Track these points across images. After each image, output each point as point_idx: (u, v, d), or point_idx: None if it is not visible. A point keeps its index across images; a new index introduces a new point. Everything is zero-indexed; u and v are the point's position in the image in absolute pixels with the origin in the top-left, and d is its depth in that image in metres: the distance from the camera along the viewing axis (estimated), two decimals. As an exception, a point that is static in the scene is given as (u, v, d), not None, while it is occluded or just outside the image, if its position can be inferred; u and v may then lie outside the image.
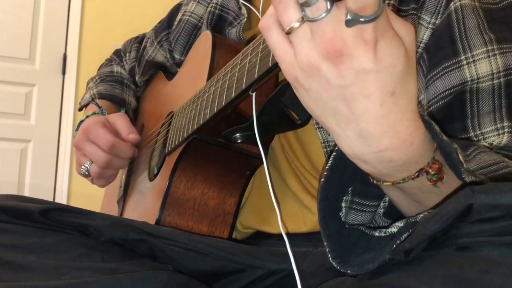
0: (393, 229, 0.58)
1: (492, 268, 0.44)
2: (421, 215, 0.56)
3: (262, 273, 0.80)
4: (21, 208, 0.74)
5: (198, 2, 1.14)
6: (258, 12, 0.97)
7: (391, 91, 0.47)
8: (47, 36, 3.08)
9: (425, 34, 0.75)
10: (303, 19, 0.45)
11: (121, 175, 1.29)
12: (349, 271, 0.57)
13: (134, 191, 1.17)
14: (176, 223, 0.91)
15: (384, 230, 0.60)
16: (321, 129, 0.80)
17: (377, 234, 0.60)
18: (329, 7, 0.44)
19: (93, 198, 1.67)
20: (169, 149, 0.99)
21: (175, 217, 0.91)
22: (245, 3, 1.01)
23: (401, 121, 0.49)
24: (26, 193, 2.93)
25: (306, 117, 0.76)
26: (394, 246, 0.52)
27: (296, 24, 0.46)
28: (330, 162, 0.59)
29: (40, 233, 0.72)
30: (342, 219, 0.63)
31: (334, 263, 0.58)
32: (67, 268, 0.68)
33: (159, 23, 1.28)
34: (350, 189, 0.62)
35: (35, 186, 2.96)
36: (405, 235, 0.52)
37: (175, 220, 0.91)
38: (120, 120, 1.10)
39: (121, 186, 1.27)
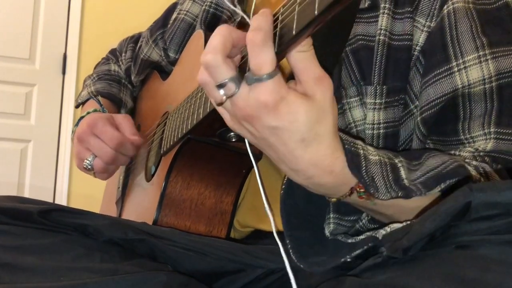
0: (362, 237, 0.66)
1: (491, 266, 0.44)
2: (382, 231, 0.62)
3: (261, 273, 0.80)
4: (20, 209, 0.74)
5: (193, 1, 1.14)
6: (249, 15, 0.97)
7: (300, 138, 0.58)
8: (47, 36, 3.07)
9: (421, 37, 0.76)
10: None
11: (119, 176, 1.28)
12: (301, 266, 0.66)
13: (132, 192, 1.17)
14: (173, 223, 0.91)
15: (355, 237, 0.68)
16: None
17: (349, 241, 0.68)
18: (237, 88, 0.57)
19: (93, 199, 1.67)
20: (165, 149, 0.99)
21: (172, 217, 0.91)
22: (230, 6, 1.01)
23: (316, 157, 0.59)
24: (26, 193, 2.93)
25: None
26: (343, 260, 0.62)
27: (224, 98, 0.59)
28: (285, 178, 0.68)
29: (39, 234, 0.72)
30: (327, 234, 0.71)
31: (293, 256, 0.67)
32: (66, 269, 0.68)
33: (154, 22, 1.28)
34: (331, 206, 0.70)
35: (35, 187, 2.96)
36: (358, 251, 0.61)
37: (172, 221, 0.91)
38: (125, 121, 1.10)
39: (119, 187, 1.26)
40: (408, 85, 0.77)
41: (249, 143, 0.70)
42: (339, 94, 0.78)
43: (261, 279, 0.81)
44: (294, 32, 0.54)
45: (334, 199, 0.66)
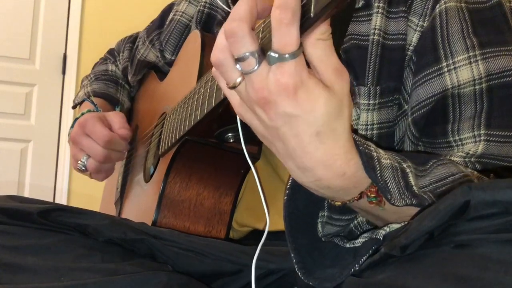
0: (362, 240, 0.63)
1: (490, 265, 0.44)
2: (382, 231, 0.60)
3: (260, 273, 0.80)
4: (20, 209, 0.74)
5: (189, 2, 1.14)
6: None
7: (315, 131, 0.53)
8: (47, 36, 3.07)
9: (414, 37, 0.76)
10: (242, 74, 0.53)
11: (118, 177, 1.28)
12: (310, 283, 0.62)
13: (131, 192, 1.17)
14: (173, 224, 0.91)
15: (353, 241, 0.64)
16: None
17: (347, 245, 0.65)
18: (257, 64, 0.51)
19: (93, 198, 1.67)
20: (163, 150, 0.98)
21: (171, 218, 0.91)
22: (225, 7, 1.01)
23: (329, 156, 0.55)
24: (26, 193, 2.93)
25: None
26: (352, 270, 0.58)
27: (238, 80, 0.54)
28: (289, 182, 0.64)
29: (39, 234, 0.73)
30: (320, 234, 0.67)
31: (299, 273, 0.63)
32: (67, 269, 0.68)
33: (151, 22, 1.28)
34: (325, 204, 0.66)
35: (35, 186, 2.96)
36: (364, 258, 0.58)
37: (171, 221, 0.91)
38: (116, 117, 1.11)
39: (117, 188, 1.26)
40: (402, 86, 0.77)
41: (245, 143, 0.69)
42: None
43: (260, 279, 0.80)
44: (312, 14, 0.49)
45: (338, 203, 0.62)
